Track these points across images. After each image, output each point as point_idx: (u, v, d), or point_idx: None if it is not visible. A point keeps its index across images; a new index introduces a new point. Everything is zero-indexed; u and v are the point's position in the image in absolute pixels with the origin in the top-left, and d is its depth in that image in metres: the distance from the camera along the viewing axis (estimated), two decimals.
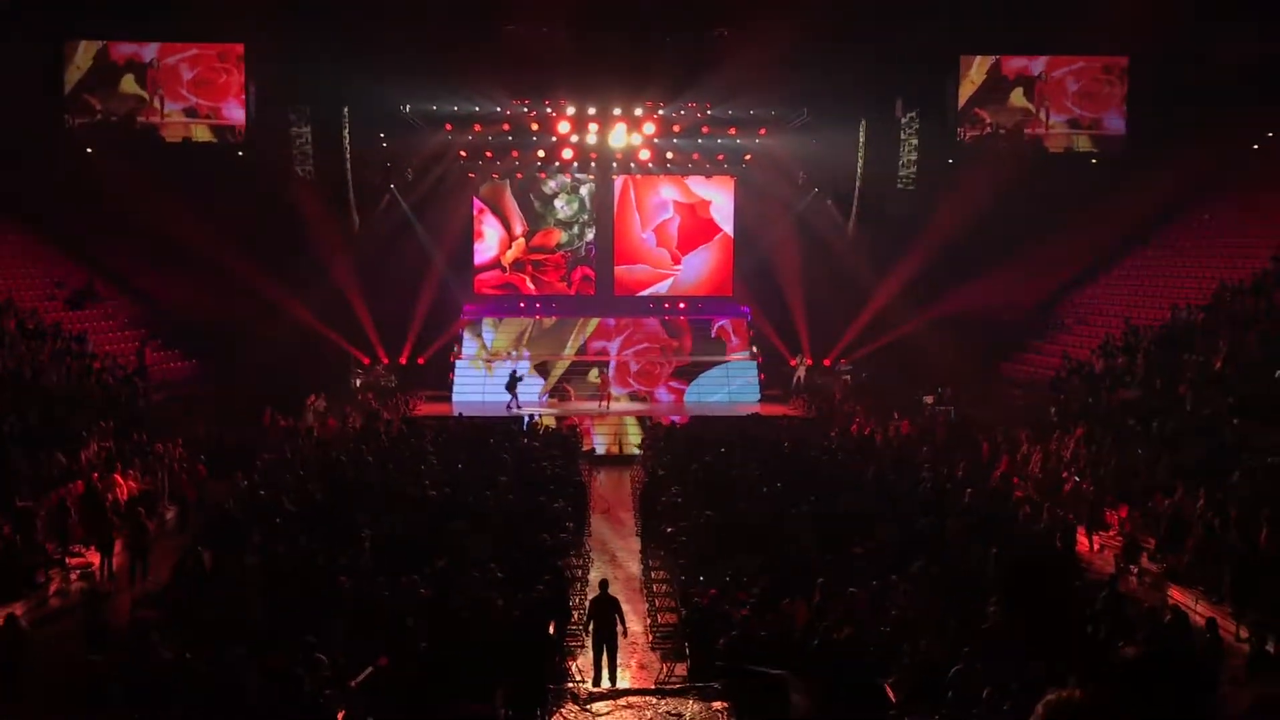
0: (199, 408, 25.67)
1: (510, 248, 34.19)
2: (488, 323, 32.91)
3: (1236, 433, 18.67)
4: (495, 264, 34.24)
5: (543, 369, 31.67)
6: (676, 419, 27.62)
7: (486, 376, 30.58)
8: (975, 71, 30.52)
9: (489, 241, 34.20)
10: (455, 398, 30.67)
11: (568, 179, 33.99)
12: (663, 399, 31.20)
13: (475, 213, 33.91)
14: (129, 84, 29.07)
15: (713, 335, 33.05)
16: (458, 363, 31.67)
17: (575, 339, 32.58)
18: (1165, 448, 19.39)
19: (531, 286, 34.29)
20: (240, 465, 21.05)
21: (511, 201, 34.06)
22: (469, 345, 32.45)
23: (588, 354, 32.26)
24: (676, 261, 34.51)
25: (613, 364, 31.66)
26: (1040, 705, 2.18)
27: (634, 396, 31.10)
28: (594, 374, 30.82)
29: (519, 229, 34.19)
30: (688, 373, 31.75)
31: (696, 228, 34.47)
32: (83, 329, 25.93)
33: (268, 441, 23.13)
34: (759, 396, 30.93)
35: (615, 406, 29.60)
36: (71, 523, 17.37)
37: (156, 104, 29.03)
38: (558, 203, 34.31)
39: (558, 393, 30.69)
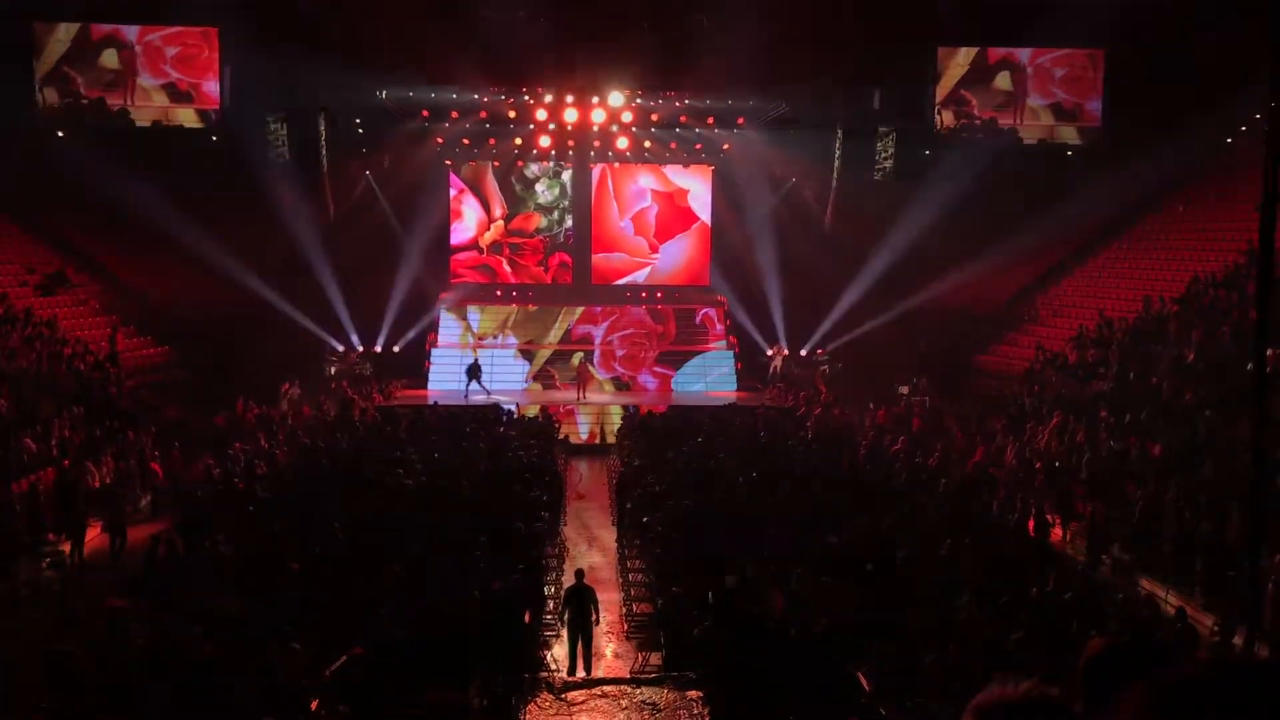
0: (171, 394, 25.47)
1: (489, 229, 34.12)
2: (473, 306, 32.77)
3: (1208, 424, 18.82)
4: (473, 245, 34.19)
5: (527, 353, 31.69)
6: (654, 408, 27.63)
7: (470, 359, 30.52)
8: (962, 57, 30.52)
9: (467, 222, 34.11)
10: (432, 385, 30.56)
11: (548, 165, 33.89)
12: (647, 384, 31.23)
13: (455, 193, 33.80)
14: (109, 58, 28.69)
15: (697, 321, 33.04)
16: (434, 350, 31.51)
17: (561, 323, 32.55)
18: (1138, 438, 19.53)
19: (508, 269, 34.22)
20: (213, 452, 20.91)
21: (492, 183, 33.99)
22: (452, 328, 32.27)
23: (572, 339, 32.22)
24: (654, 250, 34.51)
25: (598, 349, 31.65)
26: (974, 701, 2.11)
27: (618, 382, 31.13)
28: (577, 358, 30.73)
29: (498, 211, 34.13)
30: (673, 359, 31.78)
31: (674, 216, 34.50)
32: (53, 315, 25.65)
33: (242, 429, 22.95)
34: (736, 386, 31.02)
35: (593, 396, 29.57)
36: (43, 510, 17.20)
37: (136, 79, 28.62)
38: (539, 187, 34.27)
39: (542, 377, 30.61)
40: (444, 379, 30.31)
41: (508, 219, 34.17)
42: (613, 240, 34.56)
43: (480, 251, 34.14)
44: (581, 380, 29.71)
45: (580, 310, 32.73)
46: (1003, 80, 30.49)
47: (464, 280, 34.04)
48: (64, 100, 28.50)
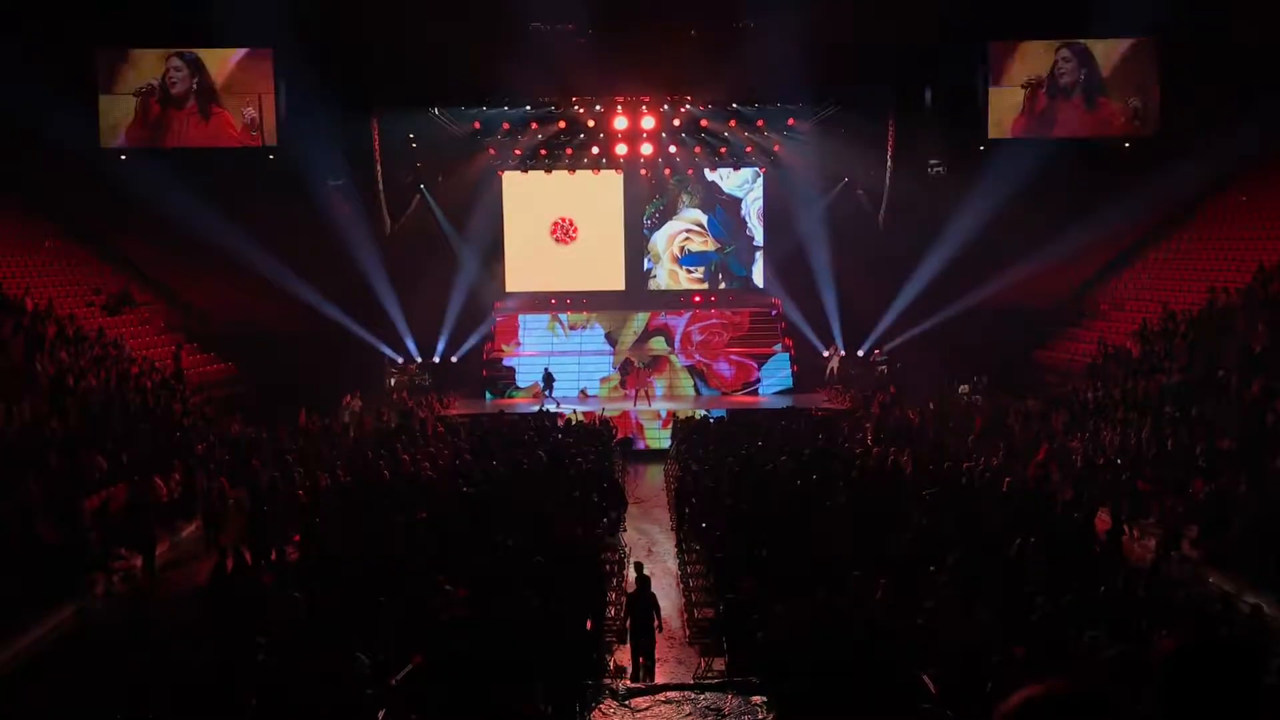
0: (235, 410, 25.89)
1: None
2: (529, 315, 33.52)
3: (1277, 415, 18.40)
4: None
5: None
6: (712, 412, 27.67)
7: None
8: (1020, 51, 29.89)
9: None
10: (489, 395, 30.90)
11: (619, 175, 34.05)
12: (724, 371, 31.54)
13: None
14: (168, 82, 29.15)
15: (773, 315, 33.25)
16: (513, 357, 32.09)
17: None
18: (1205, 433, 19.14)
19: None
20: (277, 466, 21.22)
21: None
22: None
23: (649, 329, 33.13)
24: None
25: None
26: (1016, 698, 2.07)
27: (694, 370, 31.52)
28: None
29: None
30: (746, 342, 32.35)
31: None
32: (120, 334, 26.20)
33: (305, 442, 23.27)
34: (792, 388, 30.93)
35: (653, 404, 29.67)
36: (114, 525, 17.56)
37: (194, 102, 29.12)
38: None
39: (625, 368, 31.11)
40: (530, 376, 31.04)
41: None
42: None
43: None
44: (640, 385, 29.90)
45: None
46: (1058, 70, 29.94)
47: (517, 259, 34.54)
48: (130, 125, 29.01)
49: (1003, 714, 2.03)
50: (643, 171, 34.04)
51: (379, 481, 19.18)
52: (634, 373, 30.66)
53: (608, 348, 32.52)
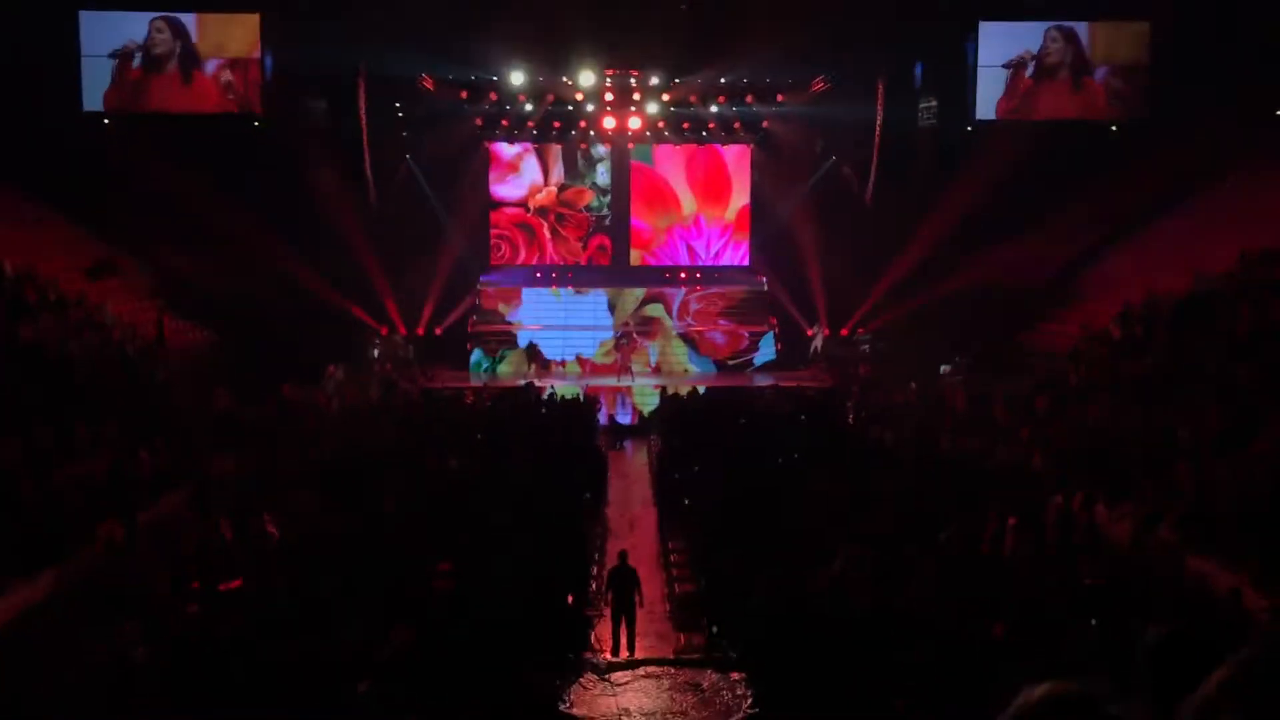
0: (218, 379, 25.74)
1: (541, 193, 34.43)
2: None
3: (1260, 400, 18.51)
4: (521, 203, 34.45)
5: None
6: (696, 387, 27.77)
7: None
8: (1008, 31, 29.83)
9: (523, 179, 34.40)
10: (481, 366, 31.13)
11: (605, 149, 33.98)
12: (716, 339, 31.97)
13: (520, 149, 34.16)
14: (151, 46, 28.78)
15: (760, 292, 33.42)
16: (527, 300, 32.71)
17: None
18: (1187, 416, 19.24)
19: (548, 235, 34.46)
20: (259, 437, 21.15)
21: (556, 151, 34.22)
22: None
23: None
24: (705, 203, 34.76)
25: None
26: (1020, 699, 2.08)
27: (686, 338, 31.84)
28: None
29: (556, 178, 34.39)
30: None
31: (717, 178, 34.67)
32: (102, 301, 25.98)
33: (288, 414, 23.18)
34: (777, 365, 31.10)
35: (633, 380, 29.77)
36: (97, 494, 17.47)
37: (178, 67, 28.79)
38: (600, 167, 34.41)
39: (624, 338, 31.35)
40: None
41: (561, 189, 34.38)
42: (658, 200, 34.66)
43: (527, 210, 34.38)
44: (624, 358, 30.04)
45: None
46: (1045, 51, 29.91)
47: (502, 234, 34.41)
48: (109, 89, 28.67)
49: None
50: (630, 145, 33.96)
51: (363, 455, 19.15)
52: (630, 342, 30.92)
53: (607, 316, 32.63)
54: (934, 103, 29.84)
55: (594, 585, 14.57)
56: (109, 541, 15.50)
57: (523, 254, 34.40)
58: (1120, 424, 20.34)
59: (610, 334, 32.00)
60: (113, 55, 28.57)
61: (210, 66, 28.80)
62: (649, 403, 27.87)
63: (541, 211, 34.39)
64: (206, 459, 19.52)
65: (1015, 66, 29.13)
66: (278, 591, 12.24)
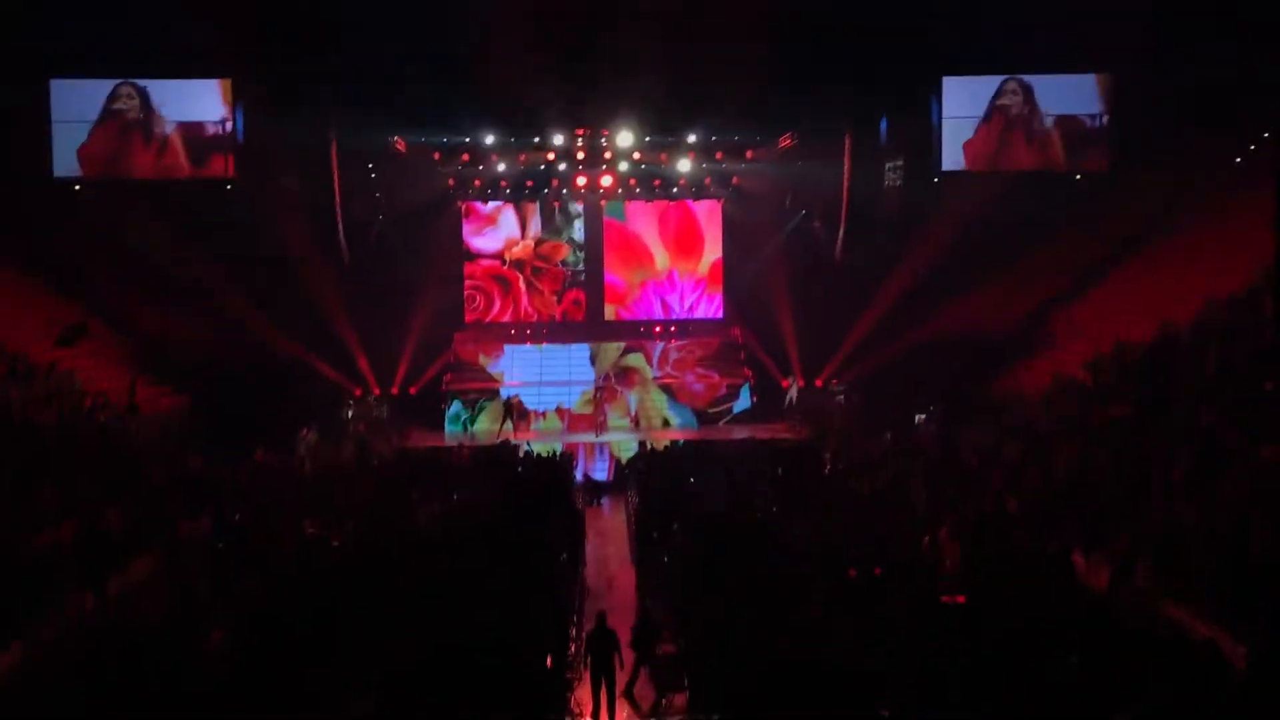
0: (190, 443, 25.57)
1: (518, 245, 34.74)
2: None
3: (1227, 445, 18.69)
4: (497, 255, 34.70)
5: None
6: (673, 440, 27.83)
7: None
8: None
9: (500, 232, 34.71)
10: (448, 428, 30.92)
11: (580, 207, 34.37)
12: (693, 386, 32.42)
13: (497, 204, 34.47)
14: (125, 112, 28.86)
15: (740, 342, 33.68)
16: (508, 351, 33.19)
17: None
18: (1157, 462, 19.39)
19: (523, 288, 34.66)
20: (231, 501, 20.99)
21: (535, 207, 34.47)
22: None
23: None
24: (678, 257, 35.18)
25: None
26: None
27: (664, 387, 32.32)
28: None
29: (533, 231, 34.69)
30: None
31: (689, 233, 35.12)
32: (73, 367, 25.81)
33: (261, 478, 23.01)
34: (752, 417, 31.25)
35: (610, 435, 29.82)
36: (65, 561, 17.25)
37: (152, 132, 28.87)
38: (577, 223, 34.74)
39: (602, 389, 31.82)
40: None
41: (538, 243, 34.71)
42: (631, 255, 34.96)
43: (503, 263, 34.52)
44: (601, 410, 30.22)
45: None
46: (1008, 105, 30.42)
47: (477, 285, 34.68)
48: (81, 155, 28.68)
49: None
50: (602, 202, 34.30)
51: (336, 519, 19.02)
52: (608, 392, 31.31)
53: (588, 366, 32.94)
54: (900, 161, 30.23)
55: (573, 648, 14.46)
56: (79, 609, 15.28)
57: (497, 306, 34.56)
58: (1092, 470, 20.48)
59: (590, 383, 32.13)
60: (84, 122, 28.58)
61: (181, 131, 28.85)
62: (628, 451, 27.98)
63: (518, 264, 34.62)
64: (176, 521, 19.32)
65: (982, 120, 29.60)
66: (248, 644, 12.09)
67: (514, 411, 30.22)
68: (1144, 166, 28.37)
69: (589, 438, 29.62)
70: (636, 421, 31.45)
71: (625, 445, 28.52)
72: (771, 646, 12.10)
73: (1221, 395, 20.53)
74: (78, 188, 28.64)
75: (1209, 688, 10.92)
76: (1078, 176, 29.97)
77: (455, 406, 31.59)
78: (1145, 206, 29.03)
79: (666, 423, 31.63)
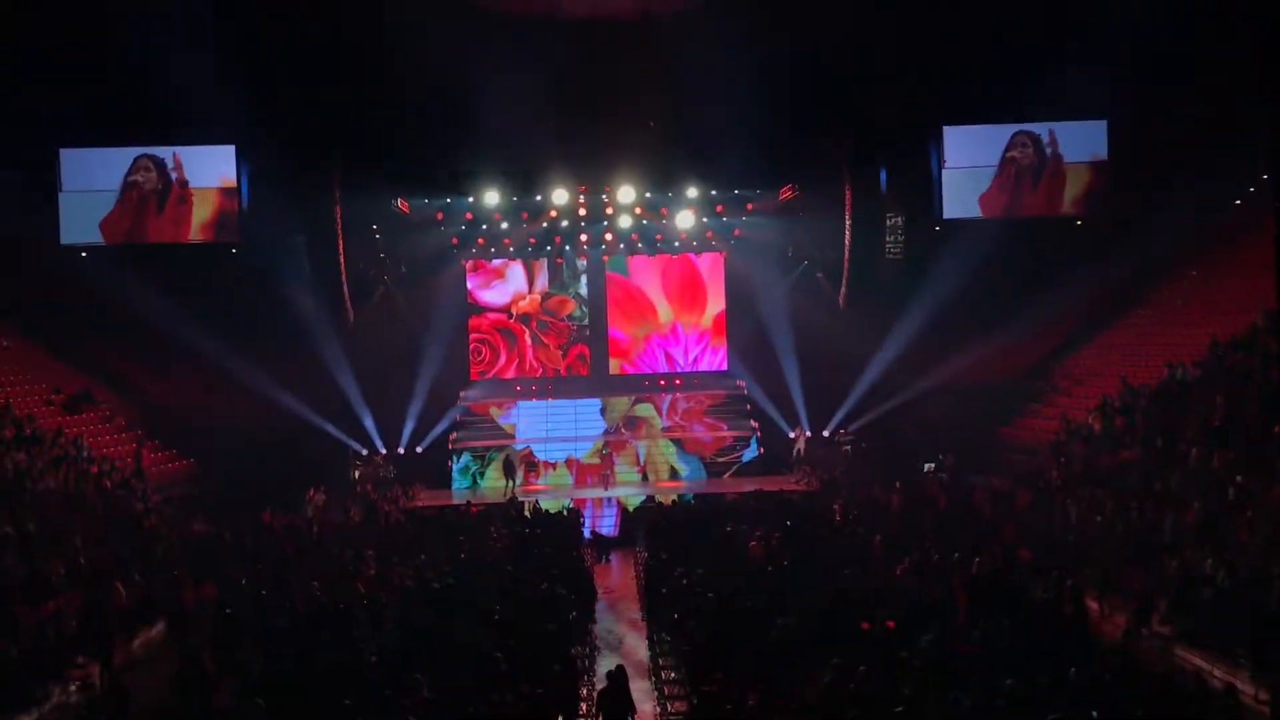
0: (196, 508, 25.53)
1: (525, 300, 34.90)
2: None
3: (1240, 489, 18.57)
4: (504, 309, 34.88)
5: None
6: (684, 494, 27.76)
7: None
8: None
9: (508, 285, 34.90)
10: (457, 481, 31.03)
11: (584, 262, 34.69)
12: (699, 433, 32.54)
13: (504, 260, 34.70)
14: (129, 178, 29.08)
15: (745, 391, 33.62)
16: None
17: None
18: (1169, 507, 19.27)
19: (529, 342, 34.85)
20: (238, 565, 20.88)
21: (543, 262, 34.71)
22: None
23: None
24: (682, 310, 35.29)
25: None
26: None
27: (673, 437, 32.45)
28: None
29: (540, 286, 34.88)
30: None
31: (691, 286, 35.30)
32: (79, 433, 25.86)
33: (269, 541, 22.91)
34: (760, 469, 31.17)
35: (618, 490, 29.74)
36: (70, 632, 17.15)
37: (155, 198, 29.08)
38: (584, 277, 35.00)
39: (611, 438, 32.09)
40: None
41: (545, 297, 34.91)
42: (635, 309, 35.13)
43: (509, 316, 34.75)
44: (609, 463, 30.19)
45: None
46: (1007, 153, 30.53)
47: (483, 338, 34.81)
48: (103, 226, 28.89)
49: None
50: (605, 258, 34.47)
51: (345, 582, 18.90)
52: (618, 441, 31.75)
53: (599, 418, 33.03)
54: (899, 217, 30.27)
55: (584, 707, 14.27)
56: (84, 681, 15.16)
57: (503, 359, 34.63)
58: (1103, 517, 20.35)
59: (598, 435, 32.21)
60: (92, 188, 28.81)
61: (186, 197, 29.06)
62: (636, 503, 28.00)
63: (524, 318, 34.75)
64: (182, 590, 19.20)
65: (983, 169, 29.74)
66: None
67: (516, 467, 30.15)
68: (1146, 210, 28.45)
69: (597, 492, 29.51)
70: (645, 473, 31.38)
71: (633, 500, 28.41)
72: (781, 706, 11.93)
73: (1231, 438, 20.43)
74: (84, 254, 28.81)
75: None
76: (1079, 222, 30.02)
77: (465, 459, 31.60)
78: (1148, 250, 29.10)
79: (675, 472, 31.58)
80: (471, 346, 34.56)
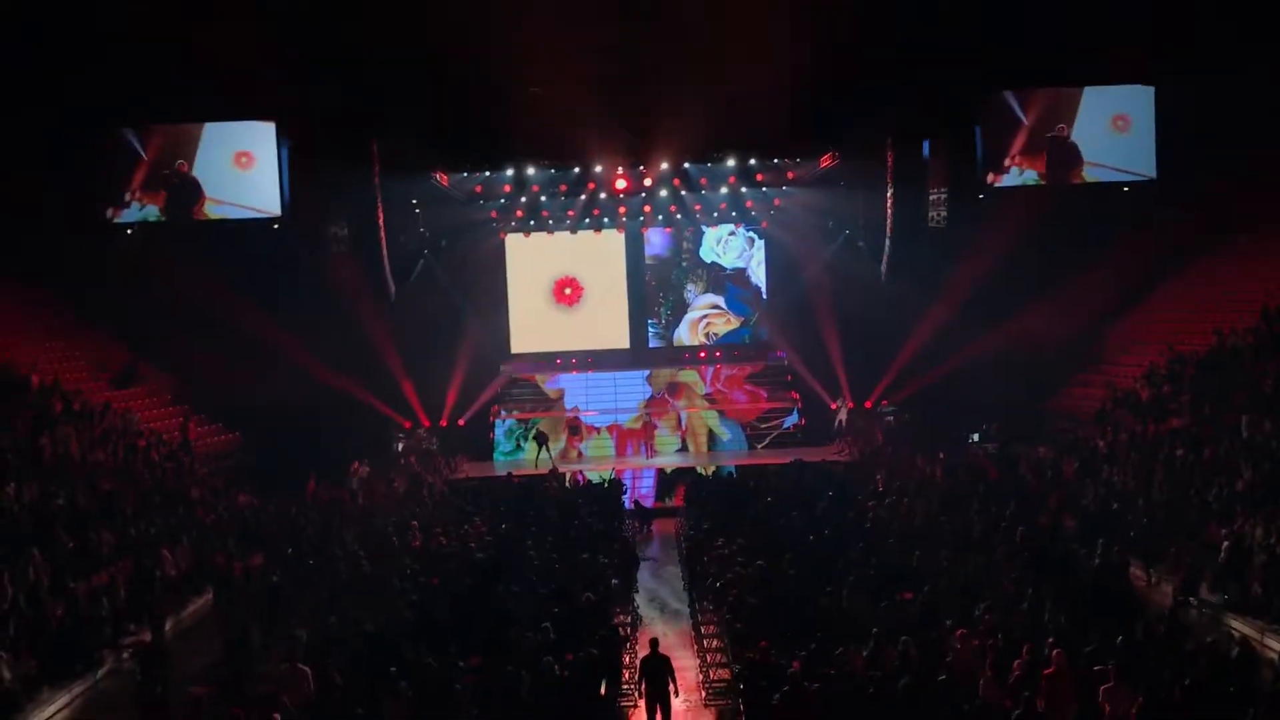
0: (243, 480, 25.85)
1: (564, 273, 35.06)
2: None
3: None
4: (545, 283, 35.09)
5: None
6: (724, 466, 27.75)
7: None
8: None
9: (547, 259, 35.03)
10: (498, 451, 31.47)
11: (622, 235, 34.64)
12: (739, 399, 32.68)
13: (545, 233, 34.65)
14: (172, 156, 29.25)
15: (786, 361, 33.61)
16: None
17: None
18: (1219, 476, 19.00)
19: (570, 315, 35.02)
20: (285, 537, 21.15)
21: (579, 235, 34.77)
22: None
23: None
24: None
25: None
26: None
27: (711, 398, 32.57)
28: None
29: (578, 259, 35.01)
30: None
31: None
32: (127, 407, 26.22)
33: (314, 512, 23.16)
34: (802, 441, 31.08)
35: (659, 459, 29.79)
36: (121, 601, 17.45)
37: (197, 174, 29.22)
38: (620, 251, 35.03)
39: (653, 403, 32.43)
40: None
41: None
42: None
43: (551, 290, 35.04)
44: (650, 432, 30.32)
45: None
46: (1054, 118, 29.97)
47: (524, 315, 34.92)
48: (131, 199, 29.11)
49: None
50: (644, 230, 34.38)
51: (389, 552, 19.10)
52: (660, 404, 32.15)
53: (644, 385, 33.17)
54: (944, 193, 29.81)
55: (626, 674, 14.35)
56: (136, 649, 15.42)
57: (543, 334, 34.66)
58: (1151, 485, 20.11)
59: (641, 400, 32.38)
60: (136, 167, 29.02)
61: (228, 172, 29.19)
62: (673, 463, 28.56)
63: (565, 291, 34.78)
64: (229, 560, 19.47)
65: (1029, 135, 29.25)
66: (305, 689, 12.10)
67: (549, 439, 30.16)
68: (1195, 176, 27.88)
69: (639, 460, 29.66)
70: (685, 439, 31.43)
71: (674, 470, 28.53)
72: (826, 674, 11.92)
73: None
74: (129, 231, 29.07)
75: None
76: (1125, 188, 29.49)
77: (509, 423, 31.78)
78: (1197, 216, 28.57)
79: (715, 438, 31.56)
80: (513, 320, 34.64)
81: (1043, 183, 29.32)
